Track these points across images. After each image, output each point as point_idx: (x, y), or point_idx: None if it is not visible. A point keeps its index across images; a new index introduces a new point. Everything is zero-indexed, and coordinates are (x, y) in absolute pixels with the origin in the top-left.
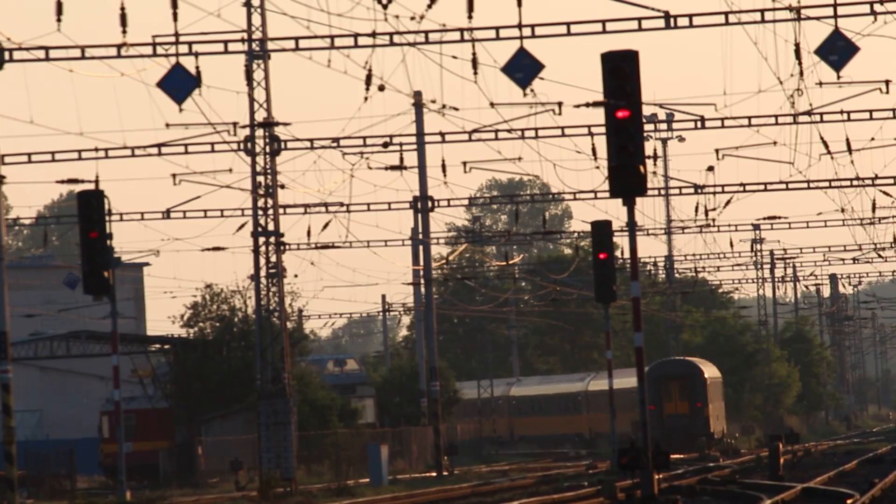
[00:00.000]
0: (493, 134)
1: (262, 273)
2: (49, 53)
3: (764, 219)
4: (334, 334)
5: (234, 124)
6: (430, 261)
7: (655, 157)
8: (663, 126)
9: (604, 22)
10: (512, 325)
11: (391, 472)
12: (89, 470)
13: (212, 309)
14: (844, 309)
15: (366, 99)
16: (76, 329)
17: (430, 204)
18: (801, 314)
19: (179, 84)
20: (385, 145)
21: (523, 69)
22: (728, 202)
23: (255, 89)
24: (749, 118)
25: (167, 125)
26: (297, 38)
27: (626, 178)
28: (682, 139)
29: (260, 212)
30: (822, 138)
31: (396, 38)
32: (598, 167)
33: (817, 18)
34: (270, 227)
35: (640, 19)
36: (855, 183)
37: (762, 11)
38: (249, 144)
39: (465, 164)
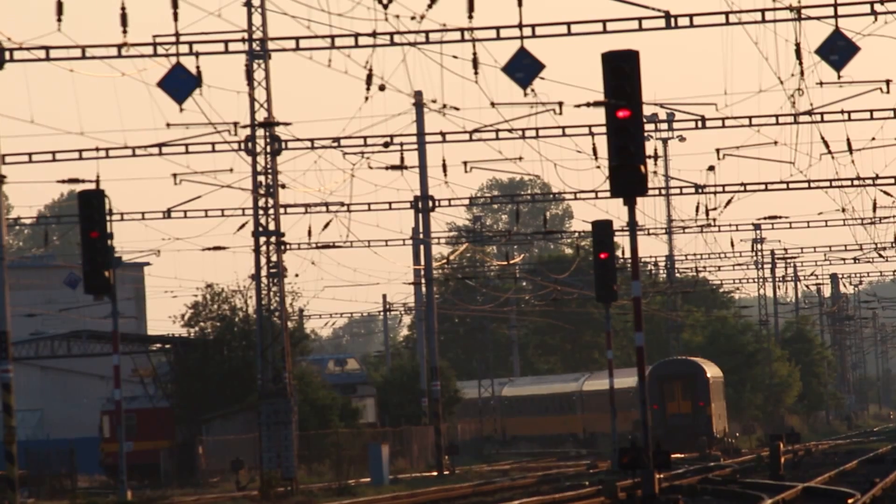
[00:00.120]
0: (493, 134)
1: (263, 273)
2: (50, 53)
3: (765, 218)
4: (335, 334)
5: (235, 124)
6: (430, 260)
7: (656, 156)
8: (664, 126)
9: (604, 22)
10: (513, 325)
11: (392, 472)
12: (90, 469)
13: (212, 308)
14: (845, 308)
15: (366, 99)
16: (77, 329)
17: (430, 204)
18: (801, 314)
19: (180, 84)
20: (386, 145)
21: (524, 69)
22: (729, 202)
23: (256, 89)
24: (750, 118)
25: (168, 125)
26: (297, 38)
27: (627, 178)
28: (682, 139)
29: (261, 211)
30: (822, 138)
31: (397, 38)
32: (598, 167)
33: (818, 18)
34: (271, 226)
35: (640, 19)
36: (856, 183)
37: (763, 11)
38: (250, 144)
39: (465, 163)
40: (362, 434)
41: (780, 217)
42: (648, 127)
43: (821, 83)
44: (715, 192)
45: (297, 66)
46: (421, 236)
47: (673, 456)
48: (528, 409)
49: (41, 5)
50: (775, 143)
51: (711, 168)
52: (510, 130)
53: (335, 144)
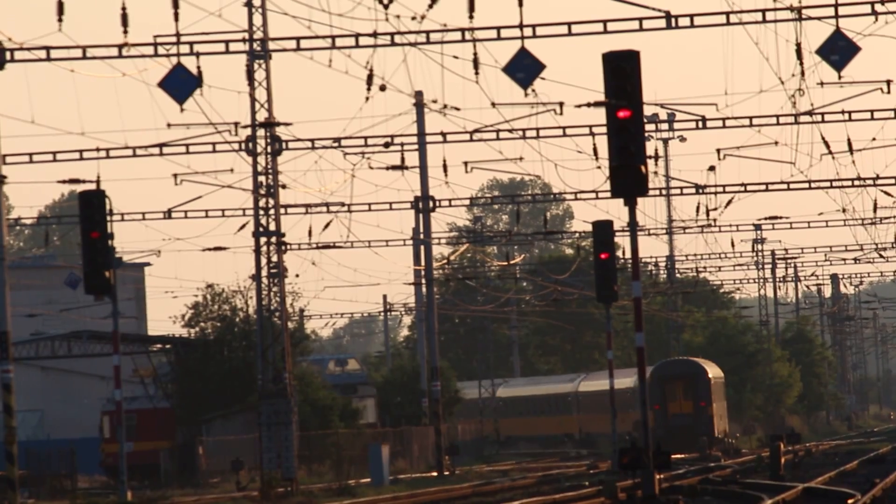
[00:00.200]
0: (494, 134)
1: (264, 273)
2: (50, 53)
3: (765, 219)
4: (335, 334)
5: (236, 124)
6: (431, 261)
7: (657, 157)
8: (664, 126)
9: (605, 22)
10: (513, 325)
11: (392, 472)
12: (90, 470)
13: (213, 309)
14: (846, 309)
15: (367, 99)
16: (77, 329)
17: (431, 204)
18: (802, 314)
19: (181, 84)
20: (386, 145)
21: (524, 69)
22: (729, 202)
23: (257, 89)
24: (750, 118)
25: (168, 125)
26: (298, 38)
27: (628, 178)
28: (683, 139)
29: (261, 212)
30: (823, 138)
31: (398, 38)
32: (599, 167)
33: (818, 18)
34: (272, 227)
35: (641, 19)
36: (856, 183)
37: (763, 11)
38: (251, 144)
39: (466, 164)
40: (362, 434)
41: (781, 217)
42: (649, 127)
43: (821, 83)
44: (715, 193)
45: (297, 66)
46: (421, 236)
47: (673, 456)
48: (523, 409)
49: (42, 5)
50: (776, 143)
51: (712, 168)
52: (511, 131)
53: (336, 145)
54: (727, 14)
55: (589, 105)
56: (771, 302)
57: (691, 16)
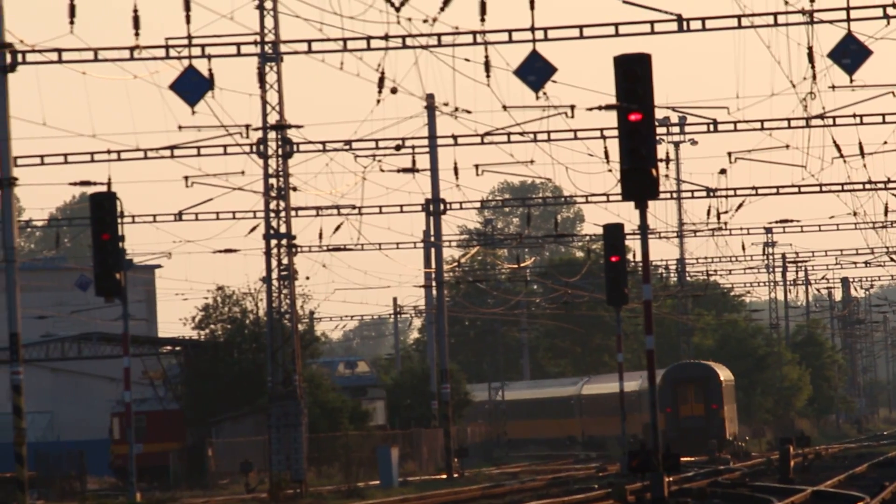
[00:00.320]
0: (505, 137)
1: (274, 275)
2: (62, 55)
3: (776, 222)
4: (345, 336)
5: (247, 127)
6: (441, 263)
7: (668, 160)
8: (676, 129)
9: (616, 25)
10: (523, 328)
11: (401, 475)
12: (100, 471)
13: (223, 311)
14: (856, 312)
15: (378, 101)
16: (88, 331)
17: (442, 206)
18: (812, 317)
19: (192, 86)
20: (397, 148)
21: (536, 72)
22: (740, 205)
23: (268, 92)
24: (762, 121)
25: (180, 127)
26: (309, 41)
27: (639, 182)
28: (694, 142)
29: (272, 214)
30: (834, 142)
31: (409, 41)
32: (610, 170)
33: (830, 22)
34: (282, 229)
35: (652, 22)
36: (867, 186)
37: (775, 15)
38: (262, 147)
39: (477, 166)
40: (372, 437)
41: (792, 221)
42: (660, 130)
43: (833, 87)
44: (726, 196)
45: (309, 68)
46: (432, 239)
47: (684, 459)
48: (526, 412)
49: (54, 8)
50: (787, 146)
51: (723, 171)
52: (522, 133)
53: (347, 147)
54: (739, 17)
55: (600, 108)
56: (781, 305)
57: (703, 19)
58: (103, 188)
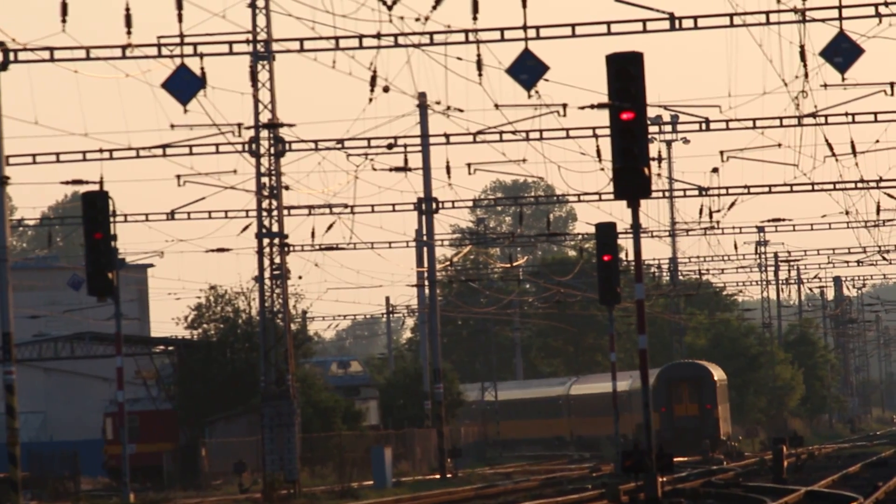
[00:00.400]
0: (497, 135)
1: (266, 274)
2: (54, 54)
3: (768, 221)
4: (338, 336)
5: (239, 125)
6: (434, 262)
7: (660, 158)
8: (668, 128)
9: (609, 23)
10: (516, 328)
11: (395, 475)
12: (93, 472)
13: (216, 310)
14: (848, 311)
15: (370, 100)
16: (80, 330)
17: (434, 205)
18: (805, 317)
19: (184, 85)
20: (389, 147)
21: (528, 70)
22: (732, 204)
23: (260, 90)
24: (754, 120)
25: (172, 126)
26: (301, 40)
27: (631, 180)
28: (686, 141)
29: (264, 213)
30: (826, 140)
31: (401, 40)
32: (602, 169)
33: (822, 20)
34: (275, 228)
35: (644, 21)
36: (859, 185)
37: (767, 13)
38: (254, 145)
39: (469, 165)
40: (365, 437)
41: (784, 219)
42: (652, 129)
43: (825, 85)
44: (718, 195)
45: (301, 67)
46: (424, 238)
47: (678, 459)
48: (512, 412)
49: (45, 6)
50: (779, 145)
51: (715, 170)
52: (514, 132)
53: (339, 146)
54: (731, 16)
55: (592, 107)
56: (774, 304)
57: (695, 17)
58: (95, 187)
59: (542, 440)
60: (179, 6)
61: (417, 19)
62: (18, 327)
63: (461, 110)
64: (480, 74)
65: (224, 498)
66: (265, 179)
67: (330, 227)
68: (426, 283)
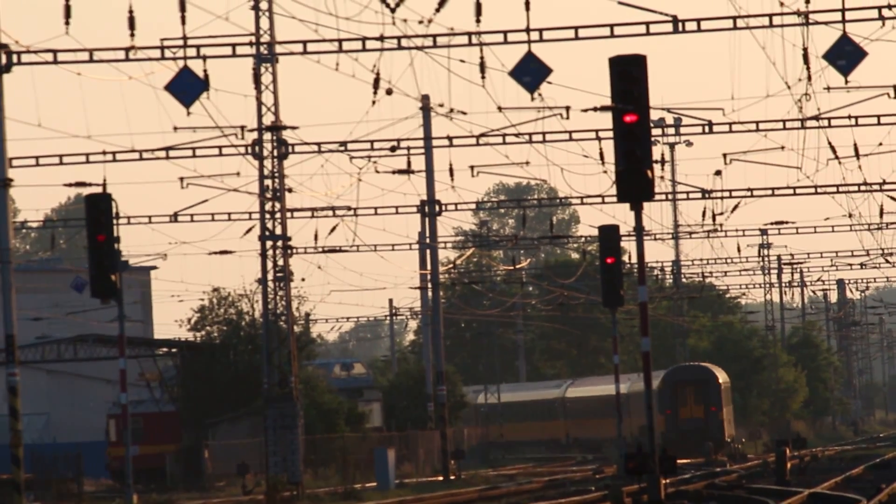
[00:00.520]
0: (500, 138)
1: (270, 277)
2: (57, 56)
3: (771, 223)
4: (341, 338)
5: (242, 128)
6: (437, 265)
7: (663, 161)
8: (671, 130)
9: (612, 26)
10: (519, 330)
11: (398, 476)
12: (96, 473)
13: (219, 312)
14: (852, 314)
15: (373, 102)
16: (83, 332)
17: (437, 208)
18: (808, 319)
19: (187, 87)
20: (393, 149)
21: (531, 73)
22: (735, 207)
23: (263, 93)
24: (757, 123)
25: (175, 128)
26: (304, 42)
27: (634, 183)
28: (689, 144)
29: (267, 215)
30: (829, 143)
31: (404, 42)
32: (605, 171)
33: (825, 23)
34: (278, 230)
35: (648, 24)
36: (863, 188)
37: (770, 16)
38: (257, 148)
39: (472, 168)
40: (368, 438)
41: (787, 222)
42: (655, 131)
43: (828, 88)
44: (722, 197)
45: (304, 69)
46: (427, 241)
47: (682, 461)
48: (513, 415)
49: (49, 8)
50: (782, 148)
51: (718, 173)
52: (517, 135)
53: (342, 148)
54: (734, 18)
55: (595, 109)
56: (777, 307)
57: (698, 20)
58: (98, 189)
59: (538, 443)
60: (183, 8)
61: (421, 22)
62: (22, 329)
63: (464, 113)
64: (483, 77)
65: (227, 500)
66: (268, 182)
67: (333, 229)
68: (429, 285)
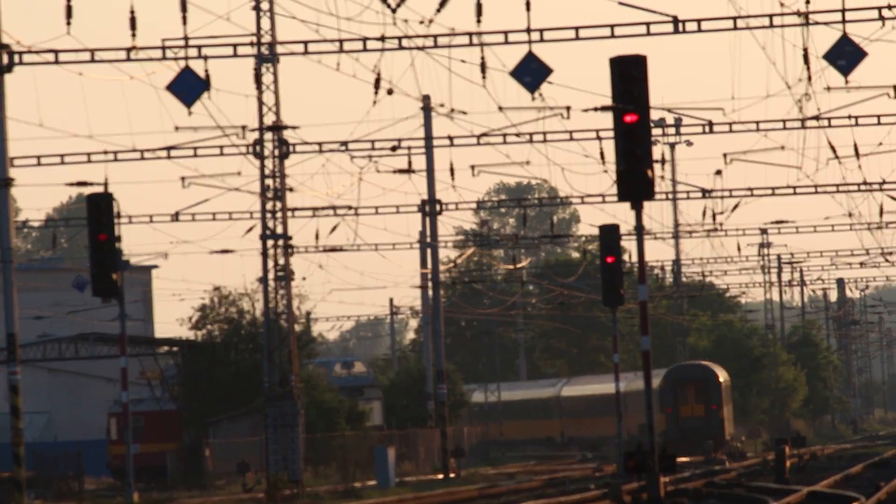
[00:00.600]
0: (501, 138)
1: (271, 276)
2: (58, 56)
3: (771, 223)
4: (342, 337)
5: (243, 127)
6: (437, 264)
7: (663, 161)
8: (671, 130)
9: (612, 26)
10: (519, 329)
11: (398, 475)
12: (97, 471)
13: (220, 311)
14: (851, 313)
15: (374, 102)
16: (85, 331)
17: (438, 207)
18: (807, 318)
19: (189, 87)
20: (393, 149)
21: (532, 73)
22: (736, 206)
23: (264, 93)
24: (757, 123)
25: (176, 128)
26: (306, 42)
27: (634, 182)
28: (690, 143)
29: (268, 215)
30: (829, 143)
31: (405, 42)
32: (606, 171)
33: (825, 23)
34: (279, 230)
35: (648, 24)
36: (862, 187)
37: (770, 16)
38: (258, 147)
39: (473, 167)
40: (369, 437)
41: (787, 221)
42: (656, 131)
43: (828, 88)
44: (722, 197)
45: (305, 69)
46: (428, 240)
47: (683, 459)
48: (512, 413)
49: (50, 8)
50: (782, 147)
51: (718, 172)
52: (518, 134)
53: (343, 148)
54: (734, 19)
55: (596, 109)
56: (777, 306)
57: (698, 20)
58: (100, 189)
59: (533, 441)
60: (184, 9)
61: (421, 22)
62: (23, 328)
63: (465, 113)
64: (484, 77)
65: (228, 498)
66: (269, 181)
67: (334, 228)
68: (430, 284)
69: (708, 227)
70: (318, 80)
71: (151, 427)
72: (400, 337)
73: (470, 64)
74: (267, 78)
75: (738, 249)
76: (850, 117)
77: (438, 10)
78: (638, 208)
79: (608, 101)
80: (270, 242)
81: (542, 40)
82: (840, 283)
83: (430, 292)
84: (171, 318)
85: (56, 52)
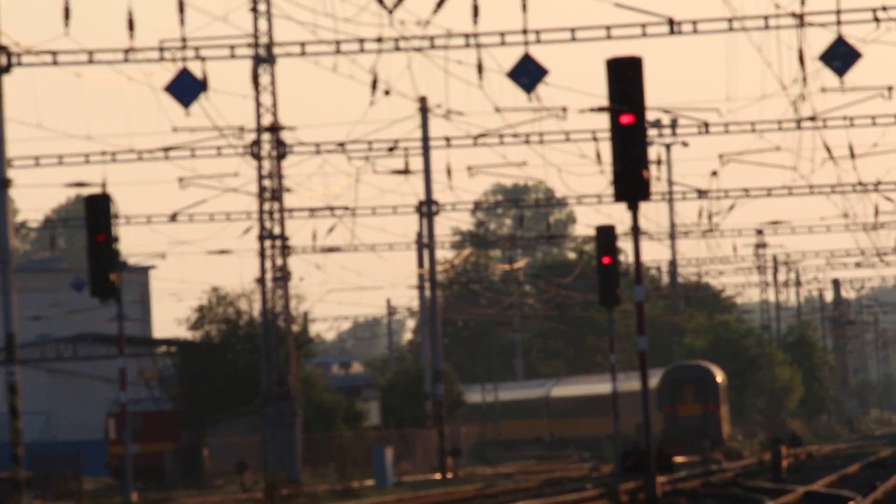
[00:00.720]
0: (498, 139)
1: (268, 276)
2: (57, 57)
3: (767, 223)
4: (339, 337)
5: (241, 128)
6: (434, 264)
7: (659, 161)
8: (667, 131)
9: (608, 28)
10: (516, 329)
11: (396, 475)
12: (96, 471)
13: (218, 312)
14: (847, 313)
15: (371, 103)
16: (83, 331)
17: (435, 208)
18: (803, 318)
19: (186, 88)
20: (391, 150)
21: (528, 74)
22: (731, 207)
23: (262, 94)
24: (752, 124)
25: (174, 129)
26: (303, 43)
27: (630, 183)
28: (685, 144)
29: (266, 215)
30: (825, 144)
31: (402, 44)
32: (602, 172)
33: (821, 25)
34: (276, 230)
35: (644, 25)
36: (858, 188)
37: (766, 18)
38: (256, 148)
39: (470, 168)
40: (366, 437)
41: (783, 222)
42: (652, 132)
43: (823, 89)
44: (718, 198)
45: (302, 70)
46: (425, 240)
47: (680, 459)
48: (504, 413)
49: (48, 10)
50: (778, 148)
51: (714, 173)
52: (514, 135)
53: (340, 149)
54: (730, 20)
55: (592, 110)
56: (773, 306)
57: (694, 22)
58: (98, 189)
59: (524, 441)
60: (181, 10)
61: (418, 23)
62: (21, 328)
63: (462, 114)
64: (481, 78)
65: (226, 498)
66: (267, 182)
67: (331, 229)
68: (427, 284)
69: (704, 228)
70: (316, 81)
71: (150, 427)
72: (397, 337)
73: (466, 65)
74: (264, 79)
75: (734, 250)
76: (845, 118)
77: (435, 12)
78: (634, 209)
79: (604, 102)
80: (268, 243)
81: (538, 41)
82: (836, 283)
83: (428, 293)
84: (169, 318)
85: (54, 53)
